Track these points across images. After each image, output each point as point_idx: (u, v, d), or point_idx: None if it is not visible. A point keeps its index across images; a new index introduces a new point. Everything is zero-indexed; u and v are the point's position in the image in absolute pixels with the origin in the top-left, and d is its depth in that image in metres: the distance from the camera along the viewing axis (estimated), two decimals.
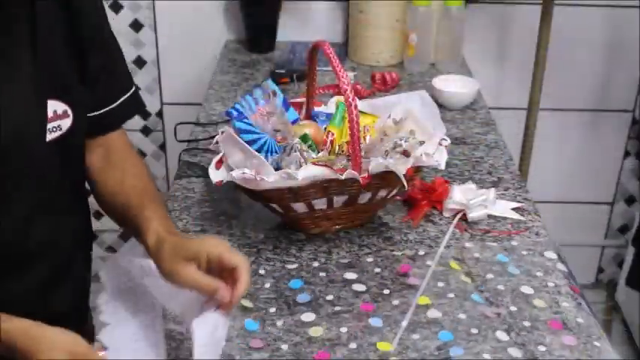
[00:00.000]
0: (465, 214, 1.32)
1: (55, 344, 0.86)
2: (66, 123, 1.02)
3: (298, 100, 1.44)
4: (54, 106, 1.00)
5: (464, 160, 1.54)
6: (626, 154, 2.40)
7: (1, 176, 0.94)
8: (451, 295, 1.14)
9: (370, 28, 2.01)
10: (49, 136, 1.01)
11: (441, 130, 1.31)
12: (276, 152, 1.24)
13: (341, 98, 1.39)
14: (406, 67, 2.03)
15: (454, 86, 1.81)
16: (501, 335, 1.06)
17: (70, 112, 1.03)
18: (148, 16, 2.18)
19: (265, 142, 1.25)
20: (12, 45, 0.94)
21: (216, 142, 1.26)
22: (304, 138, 1.26)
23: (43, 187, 1.03)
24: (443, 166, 1.22)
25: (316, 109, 1.41)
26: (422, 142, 1.23)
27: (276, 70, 1.92)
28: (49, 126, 1.00)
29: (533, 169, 2.18)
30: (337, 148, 1.29)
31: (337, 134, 1.30)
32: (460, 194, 1.33)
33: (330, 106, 1.44)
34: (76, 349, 0.87)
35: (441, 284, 1.16)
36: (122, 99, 1.15)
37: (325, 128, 1.32)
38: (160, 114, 2.32)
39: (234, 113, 1.30)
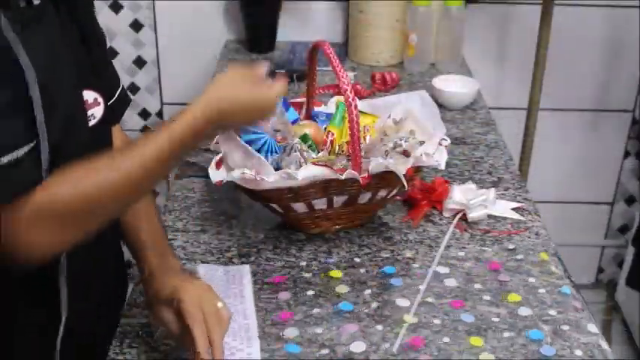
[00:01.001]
0: (465, 214, 1.32)
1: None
2: (98, 111, 1.05)
3: (298, 100, 1.44)
4: (86, 95, 1.03)
5: (464, 160, 1.54)
6: (626, 154, 2.40)
7: (54, 163, 0.93)
8: (452, 295, 1.14)
9: (370, 28, 2.01)
10: (93, 121, 1.04)
11: (441, 130, 1.31)
12: (276, 152, 1.24)
13: (341, 98, 1.39)
14: (406, 67, 2.03)
15: (454, 86, 1.81)
16: (500, 335, 1.06)
17: (100, 99, 1.06)
18: (148, 16, 2.18)
19: (265, 142, 1.25)
20: (55, 37, 0.96)
21: (216, 142, 1.26)
22: (304, 138, 1.26)
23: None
24: (443, 166, 1.22)
25: (316, 109, 1.41)
26: (422, 142, 1.23)
27: (276, 70, 1.92)
28: (91, 113, 1.03)
29: (533, 169, 2.18)
30: (337, 148, 1.29)
31: (337, 134, 1.30)
32: (460, 194, 1.33)
33: (330, 106, 1.44)
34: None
35: (441, 284, 1.16)
36: (117, 94, 1.16)
37: (325, 128, 1.32)
38: (160, 114, 2.32)
39: None
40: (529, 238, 1.29)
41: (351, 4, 2.05)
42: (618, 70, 2.27)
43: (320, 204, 1.22)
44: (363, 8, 2.00)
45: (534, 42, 2.00)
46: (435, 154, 1.22)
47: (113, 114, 1.15)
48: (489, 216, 1.33)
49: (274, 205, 1.22)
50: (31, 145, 0.88)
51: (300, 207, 1.21)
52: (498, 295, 1.14)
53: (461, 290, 1.15)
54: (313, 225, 1.27)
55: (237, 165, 1.20)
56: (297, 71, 1.90)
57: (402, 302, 1.12)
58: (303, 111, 1.40)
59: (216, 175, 1.22)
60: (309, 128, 1.30)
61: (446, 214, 1.34)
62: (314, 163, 1.16)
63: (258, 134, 1.25)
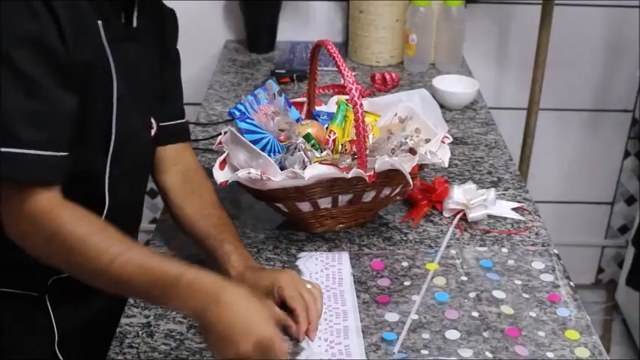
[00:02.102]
0: (464, 214, 1.32)
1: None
2: (151, 132, 1.19)
3: (299, 99, 1.44)
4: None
5: (464, 160, 1.54)
6: (626, 154, 2.40)
7: (122, 154, 1.09)
8: (452, 295, 1.14)
9: (370, 28, 2.01)
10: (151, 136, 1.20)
11: (444, 128, 1.31)
12: (279, 152, 1.24)
13: (342, 97, 1.39)
14: (406, 67, 2.03)
15: (454, 86, 1.81)
16: (501, 335, 1.06)
17: (154, 124, 1.19)
18: None
19: (268, 142, 1.25)
20: (142, 58, 1.12)
21: (220, 143, 1.26)
22: (307, 137, 1.26)
23: (140, 169, 1.21)
24: (446, 164, 1.23)
25: (317, 108, 1.41)
26: (427, 140, 1.23)
27: (276, 70, 1.92)
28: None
29: (533, 169, 2.18)
30: (340, 147, 1.29)
31: (339, 133, 1.30)
32: (460, 194, 1.33)
33: (331, 105, 1.44)
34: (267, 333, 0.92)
35: (441, 284, 1.16)
36: (185, 120, 1.29)
37: (327, 127, 1.32)
38: None
39: (237, 113, 1.30)
40: (529, 238, 1.29)
41: (351, 4, 2.05)
42: (618, 70, 2.27)
43: (325, 203, 1.22)
44: (363, 8, 2.00)
45: (534, 42, 2.00)
46: (438, 151, 1.22)
47: (183, 131, 1.28)
48: (489, 216, 1.33)
49: (279, 205, 1.22)
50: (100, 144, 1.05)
51: (305, 206, 1.21)
52: (498, 295, 1.14)
53: (460, 290, 1.15)
54: (317, 224, 1.27)
55: (242, 165, 1.20)
56: (297, 71, 1.90)
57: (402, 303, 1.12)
58: (304, 110, 1.40)
59: (221, 175, 1.22)
60: (311, 128, 1.30)
61: (446, 214, 1.34)
62: (320, 162, 1.16)
63: (261, 134, 1.25)
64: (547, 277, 1.18)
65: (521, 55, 2.21)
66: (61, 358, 1.19)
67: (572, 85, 2.28)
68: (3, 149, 0.90)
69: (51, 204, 0.94)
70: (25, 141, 0.91)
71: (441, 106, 1.78)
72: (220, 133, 1.29)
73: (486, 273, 1.19)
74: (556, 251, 1.25)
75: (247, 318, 0.91)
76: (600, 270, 2.61)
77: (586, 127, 2.36)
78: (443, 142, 1.26)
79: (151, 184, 1.27)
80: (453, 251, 1.24)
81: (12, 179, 0.92)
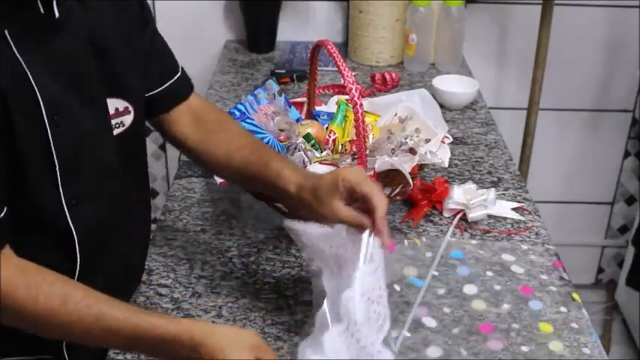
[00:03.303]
0: (464, 214, 1.32)
1: (237, 340, 0.88)
2: (127, 119, 1.07)
3: (299, 99, 1.44)
4: (115, 104, 1.05)
5: (464, 160, 1.54)
6: (626, 154, 2.40)
7: (74, 173, 0.98)
8: (452, 295, 1.14)
9: (370, 28, 2.01)
10: (114, 132, 1.06)
11: (444, 128, 1.31)
12: (279, 151, 1.24)
13: (342, 97, 1.39)
14: (406, 67, 2.03)
15: (454, 86, 1.81)
16: (501, 335, 1.06)
17: (130, 107, 1.08)
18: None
19: (268, 142, 1.25)
20: (76, 49, 0.98)
21: None
22: (307, 137, 1.26)
23: (111, 179, 1.06)
24: (446, 164, 1.23)
25: (317, 108, 1.41)
26: (427, 140, 1.23)
27: (276, 70, 1.92)
28: (113, 122, 1.05)
29: (533, 169, 2.18)
30: (340, 147, 1.29)
31: (339, 133, 1.30)
32: (460, 194, 1.33)
33: (331, 105, 1.44)
34: (258, 344, 0.88)
35: (441, 284, 1.16)
36: (181, 71, 1.21)
37: (327, 127, 1.32)
38: None
39: (237, 113, 1.30)
40: (529, 238, 1.29)
41: (351, 4, 2.05)
42: (618, 70, 2.27)
43: None
44: (363, 8, 2.00)
45: (534, 42, 2.00)
46: (438, 151, 1.22)
47: (184, 85, 1.20)
48: (489, 216, 1.33)
49: (279, 205, 1.22)
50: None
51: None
52: (498, 295, 1.14)
53: (460, 290, 1.15)
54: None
55: None
56: (297, 71, 1.90)
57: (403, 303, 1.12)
58: (304, 110, 1.40)
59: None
60: (311, 128, 1.30)
61: (446, 214, 1.34)
62: (321, 163, 1.16)
63: (261, 134, 1.26)
64: (547, 277, 1.18)
65: (521, 55, 2.20)
66: None
67: (572, 85, 2.28)
68: None
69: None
70: None
71: (441, 106, 1.77)
72: None
73: (486, 272, 1.19)
74: (556, 251, 1.25)
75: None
76: (600, 270, 2.61)
77: (586, 127, 2.36)
78: (443, 142, 1.26)
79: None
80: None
81: None
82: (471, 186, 1.36)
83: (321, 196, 0.99)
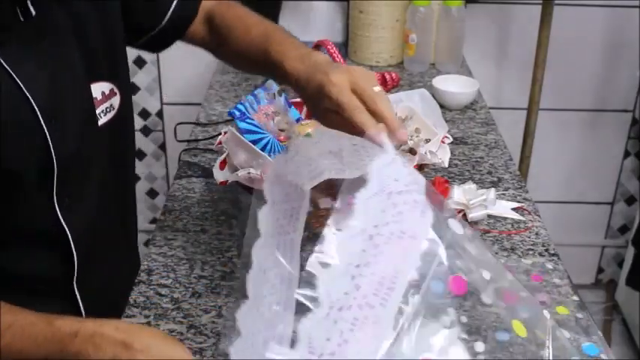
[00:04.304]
0: (465, 214, 1.32)
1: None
2: (116, 101, 1.08)
3: (299, 99, 1.44)
4: (101, 88, 1.05)
5: (464, 160, 1.54)
6: (626, 154, 2.40)
7: (68, 172, 0.97)
8: (451, 295, 1.13)
9: (370, 28, 2.01)
10: (105, 118, 1.06)
11: (444, 128, 1.31)
12: (279, 152, 1.24)
13: None
14: (406, 67, 2.03)
15: (454, 86, 1.81)
16: (501, 335, 1.05)
17: (116, 89, 1.08)
18: None
19: (268, 142, 1.25)
20: (58, 34, 0.97)
21: (220, 143, 1.26)
22: (308, 137, 1.26)
23: (101, 173, 1.05)
24: (446, 164, 1.23)
25: None
26: (427, 140, 1.23)
27: None
28: (103, 107, 1.05)
29: (533, 169, 2.18)
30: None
31: None
32: (460, 194, 1.33)
33: None
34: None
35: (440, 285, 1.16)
36: (168, 16, 1.19)
37: None
38: (160, 114, 2.32)
39: (237, 113, 1.30)
40: (529, 238, 1.29)
41: (351, 4, 2.05)
42: (618, 70, 2.27)
43: (325, 203, 1.21)
44: (363, 8, 2.00)
45: (534, 42, 2.01)
46: (438, 151, 1.22)
47: (192, 5, 1.18)
48: (489, 216, 1.33)
49: None
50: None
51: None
52: (497, 295, 1.14)
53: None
54: (318, 224, 1.26)
55: (242, 165, 1.20)
56: None
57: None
58: (304, 110, 1.40)
59: (221, 175, 1.22)
60: (311, 127, 1.30)
61: (446, 214, 1.33)
62: None
63: (260, 134, 1.25)
64: (547, 277, 1.18)
65: (521, 55, 2.21)
66: None
67: (572, 85, 2.28)
68: None
69: None
70: None
71: (441, 106, 1.77)
72: (220, 133, 1.29)
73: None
74: (556, 251, 1.25)
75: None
76: (600, 270, 2.61)
77: (586, 127, 2.36)
78: (443, 142, 1.26)
79: (147, 184, 1.26)
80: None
81: None
82: (470, 186, 1.36)
83: (313, 107, 0.92)
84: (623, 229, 2.53)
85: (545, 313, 0.97)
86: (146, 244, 1.30)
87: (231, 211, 1.35)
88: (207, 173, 1.25)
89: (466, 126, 1.71)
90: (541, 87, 2.04)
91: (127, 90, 1.12)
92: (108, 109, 1.06)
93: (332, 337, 0.77)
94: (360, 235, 0.79)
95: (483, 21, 2.18)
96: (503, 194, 1.41)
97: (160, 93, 2.30)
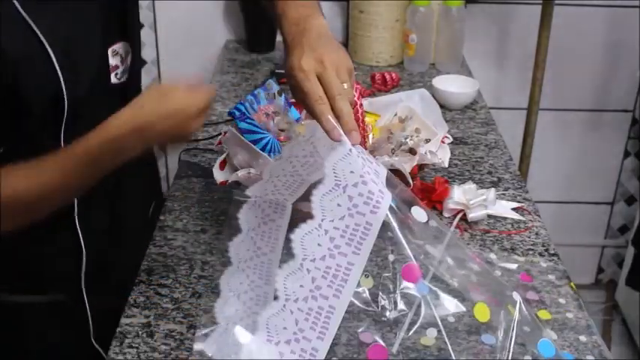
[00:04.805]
0: (465, 214, 1.32)
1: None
2: (128, 62, 1.14)
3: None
4: (116, 48, 1.11)
5: (464, 160, 1.54)
6: (626, 154, 2.40)
7: (76, 124, 1.01)
8: (451, 295, 1.13)
9: (370, 28, 2.01)
10: (116, 79, 1.12)
11: (444, 128, 1.31)
12: (279, 152, 1.24)
13: None
14: (406, 67, 2.03)
15: (454, 86, 1.81)
16: (501, 335, 1.05)
17: (129, 48, 1.13)
18: (148, 16, 2.18)
19: (268, 142, 1.25)
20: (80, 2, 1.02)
21: (220, 143, 1.26)
22: None
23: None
24: (446, 164, 1.23)
25: None
26: (427, 140, 1.23)
27: (277, 70, 1.92)
28: (116, 66, 1.11)
29: (533, 169, 2.18)
30: None
31: None
32: (460, 194, 1.33)
33: None
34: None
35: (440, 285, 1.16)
36: None
37: None
38: None
39: (237, 113, 1.30)
40: (529, 238, 1.29)
41: (351, 4, 2.05)
42: (618, 70, 2.27)
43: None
44: (363, 8, 2.00)
45: (534, 42, 2.01)
46: (438, 151, 1.22)
47: None
48: (489, 216, 1.33)
49: None
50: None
51: (305, 206, 1.20)
52: (497, 295, 1.14)
53: (460, 295, 1.15)
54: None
55: (242, 165, 1.20)
56: None
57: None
58: (304, 110, 1.40)
59: (221, 175, 1.22)
60: None
61: (446, 214, 1.34)
62: None
63: (260, 134, 1.25)
64: (547, 277, 1.18)
65: (521, 55, 2.21)
66: (99, 348, 1.21)
67: (572, 85, 2.28)
68: None
69: None
70: None
71: (441, 106, 1.77)
72: (220, 133, 1.29)
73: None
74: (556, 251, 1.25)
75: (175, 108, 0.93)
76: (600, 270, 2.61)
77: (586, 127, 2.36)
78: (443, 142, 1.26)
79: None
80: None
81: None
82: (470, 186, 1.36)
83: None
84: (623, 229, 2.53)
85: (515, 294, 0.96)
86: (146, 244, 1.30)
87: None
88: (207, 173, 1.25)
89: (466, 126, 1.71)
90: (541, 87, 2.04)
91: (139, 52, 1.18)
92: (121, 71, 1.11)
93: (288, 326, 0.84)
94: (316, 230, 0.83)
95: (483, 21, 2.18)
96: (503, 194, 1.41)
97: None
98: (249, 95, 1.34)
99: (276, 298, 0.86)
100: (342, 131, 0.85)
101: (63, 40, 0.98)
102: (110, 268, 1.23)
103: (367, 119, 1.32)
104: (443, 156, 1.23)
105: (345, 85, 0.89)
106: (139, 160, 1.01)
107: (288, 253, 0.87)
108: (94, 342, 1.23)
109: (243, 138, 1.20)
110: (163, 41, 2.22)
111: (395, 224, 0.85)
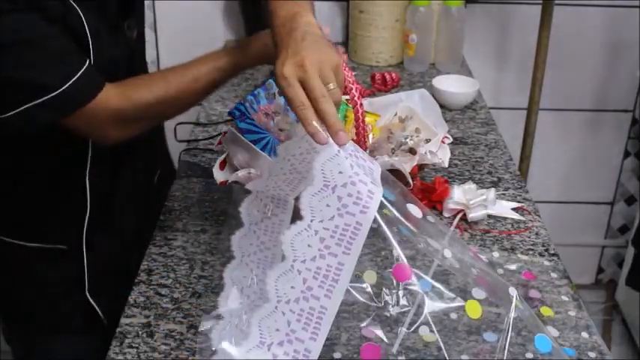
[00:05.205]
0: (465, 214, 1.32)
1: None
2: (133, 35, 1.26)
3: None
4: (130, 24, 1.24)
5: (464, 160, 1.54)
6: (626, 154, 2.40)
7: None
8: (452, 295, 1.13)
9: (370, 28, 2.01)
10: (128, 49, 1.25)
11: (444, 128, 1.31)
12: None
13: (342, 98, 1.39)
14: (406, 67, 2.03)
15: (454, 86, 1.81)
16: (494, 335, 1.06)
17: (135, 21, 1.26)
18: (148, 16, 2.18)
19: (268, 142, 1.25)
20: None
21: (219, 143, 1.26)
22: None
23: None
24: (446, 164, 1.23)
25: None
26: (427, 140, 1.23)
27: None
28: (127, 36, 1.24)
29: (533, 169, 2.18)
30: None
31: None
32: (460, 194, 1.33)
33: None
34: None
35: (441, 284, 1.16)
36: None
37: None
38: None
39: (237, 113, 1.30)
40: (529, 238, 1.29)
41: (351, 4, 2.05)
42: (618, 70, 2.27)
43: None
44: (363, 8, 2.00)
45: (534, 42, 2.01)
46: (438, 151, 1.22)
47: None
48: (489, 216, 1.33)
49: None
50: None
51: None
52: (497, 291, 1.14)
53: (460, 290, 1.15)
54: None
55: (242, 165, 1.20)
56: None
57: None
58: None
59: (221, 175, 1.22)
60: None
61: (446, 214, 1.34)
62: None
63: (260, 134, 1.25)
64: (547, 277, 1.18)
65: (521, 55, 2.21)
66: (92, 303, 1.28)
67: (572, 85, 2.28)
68: (57, 92, 1.02)
69: (116, 96, 1.09)
70: (64, 76, 1.03)
71: (441, 106, 1.77)
72: (220, 133, 1.29)
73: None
74: (556, 251, 1.25)
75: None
76: (600, 270, 2.61)
77: (586, 127, 2.36)
78: (443, 142, 1.26)
79: None
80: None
81: (80, 105, 1.05)
82: (470, 186, 1.36)
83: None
84: (623, 229, 2.53)
85: (511, 289, 0.96)
86: (146, 244, 1.30)
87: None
88: (207, 173, 1.25)
89: (466, 126, 1.71)
90: (541, 87, 2.04)
91: (143, 27, 1.31)
92: (129, 41, 1.25)
93: (280, 327, 0.84)
94: (306, 231, 0.83)
95: (483, 21, 2.18)
96: (503, 194, 1.41)
97: None
98: (249, 95, 1.34)
99: (267, 300, 0.86)
100: (327, 134, 0.84)
101: (93, 16, 1.09)
102: (111, 227, 1.30)
103: (367, 119, 1.31)
104: (443, 156, 1.23)
105: (331, 85, 0.89)
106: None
107: (279, 254, 0.87)
108: (88, 295, 1.28)
109: (243, 138, 1.20)
110: (163, 41, 2.22)
111: (394, 219, 0.86)
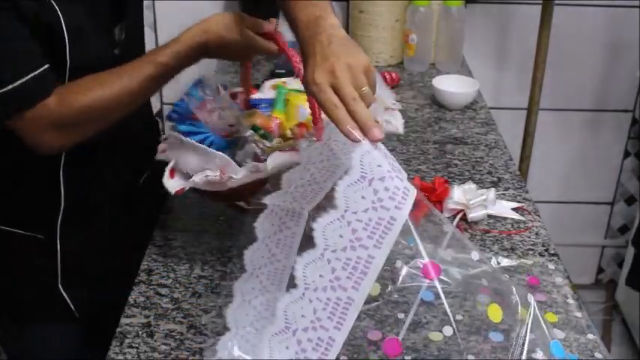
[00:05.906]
0: (465, 214, 1.32)
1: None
2: (130, 34, 1.27)
3: (235, 90, 1.38)
4: (120, 26, 1.23)
5: (464, 160, 1.54)
6: (626, 154, 2.40)
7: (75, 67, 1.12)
8: (452, 295, 1.13)
9: (370, 28, 2.01)
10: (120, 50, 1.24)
11: (389, 96, 1.28)
12: (225, 148, 1.17)
13: (277, 82, 1.38)
14: (406, 67, 2.03)
15: (454, 86, 1.81)
16: (500, 334, 1.06)
17: (130, 27, 1.27)
18: (148, 16, 2.18)
19: (210, 141, 1.19)
20: None
21: (163, 151, 1.18)
22: (254, 128, 1.20)
23: None
24: (401, 130, 1.21)
25: (253, 97, 1.34)
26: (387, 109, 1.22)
27: (276, 70, 1.92)
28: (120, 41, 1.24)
29: (533, 169, 2.18)
30: (289, 132, 1.22)
31: (283, 119, 1.25)
32: (460, 194, 1.33)
33: (266, 92, 1.37)
34: None
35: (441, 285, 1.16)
36: None
37: (270, 115, 1.26)
38: (159, 114, 2.32)
39: (175, 116, 1.26)
40: (529, 238, 1.29)
41: (351, 4, 2.05)
42: (618, 70, 2.27)
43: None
44: (363, 8, 2.00)
45: (534, 42, 2.01)
46: (392, 120, 1.21)
47: None
48: (489, 216, 1.33)
49: (241, 203, 1.15)
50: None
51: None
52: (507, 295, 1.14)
53: (460, 290, 1.15)
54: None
55: (194, 169, 1.13)
56: None
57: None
58: (241, 99, 1.33)
59: (173, 183, 1.15)
60: (257, 118, 1.24)
61: (446, 214, 1.34)
62: (280, 150, 1.10)
63: (202, 134, 1.19)
64: (547, 278, 1.18)
65: (521, 55, 2.21)
66: (65, 295, 1.28)
67: (572, 85, 2.28)
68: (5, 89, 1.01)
69: (54, 102, 1.06)
70: (15, 74, 1.02)
71: (441, 106, 1.78)
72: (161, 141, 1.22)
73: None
74: (556, 251, 1.25)
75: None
76: (600, 270, 2.61)
77: (586, 127, 2.36)
78: (393, 109, 1.23)
79: None
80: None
81: (22, 108, 1.04)
82: (470, 186, 1.36)
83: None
84: (623, 229, 2.53)
85: (529, 296, 0.96)
86: (145, 244, 1.30)
87: (231, 211, 1.35)
88: None
89: (466, 126, 1.71)
90: (541, 87, 2.04)
91: (142, 26, 1.34)
92: (123, 44, 1.24)
93: (306, 314, 0.84)
94: (339, 221, 0.83)
95: (483, 21, 2.18)
96: (503, 194, 1.41)
97: (160, 93, 2.29)
98: (183, 97, 1.29)
99: (295, 286, 0.86)
100: (360, 133, 0.84)
101: (74, 15, 1.09)
102: (87, 225, 1.28)
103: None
104: (396, 122, 1.21)
105: (364, 89, 0.89)
106: (137, 128, 1.17)
107: (309, 241, 0.87)
108: (60, 287, 1.28)
109: (189, 140, 1.13)
110: (163, 41, 2.21)
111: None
